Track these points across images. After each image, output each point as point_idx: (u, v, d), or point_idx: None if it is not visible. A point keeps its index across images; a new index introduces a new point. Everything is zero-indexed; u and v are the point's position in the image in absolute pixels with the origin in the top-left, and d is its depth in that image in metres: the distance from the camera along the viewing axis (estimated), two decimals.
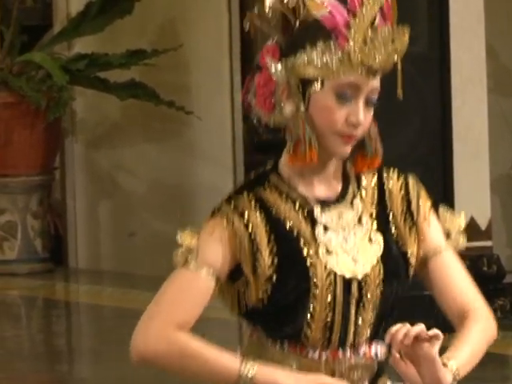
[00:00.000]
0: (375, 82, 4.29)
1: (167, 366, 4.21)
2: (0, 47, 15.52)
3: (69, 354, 13.41)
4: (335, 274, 4.38)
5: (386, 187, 4.62)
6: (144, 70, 15.12)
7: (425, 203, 4.53)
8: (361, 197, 4.58)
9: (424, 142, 12.69)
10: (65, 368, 12.44)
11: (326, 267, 4.37)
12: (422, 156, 12.61)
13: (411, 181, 4.65)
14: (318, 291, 4.40)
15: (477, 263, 12.01)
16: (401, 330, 4.12)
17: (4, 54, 15.38)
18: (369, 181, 4.65)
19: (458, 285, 4.44)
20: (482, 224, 12.30)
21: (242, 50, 13.55)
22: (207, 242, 4.10)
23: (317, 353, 4.39)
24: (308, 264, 4.35)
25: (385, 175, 4.61)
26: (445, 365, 4.18)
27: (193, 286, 4.19)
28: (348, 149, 4.28)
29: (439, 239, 4.47)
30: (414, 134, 12.69)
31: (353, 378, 4.44)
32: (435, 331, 4.12)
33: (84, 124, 16.02)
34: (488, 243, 12.42)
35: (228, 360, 4.23)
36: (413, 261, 4.40)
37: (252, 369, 4.15)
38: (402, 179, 4.59)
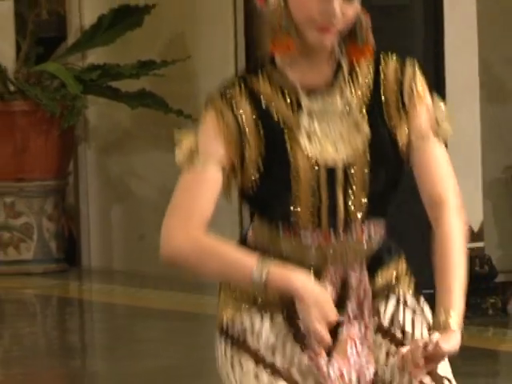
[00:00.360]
0: None
1: (190, 264, 4.49)
2: (16, 58, 15.67)
3: (82, 350, 13.55)
4: (317, 162, 4.67)
5: (381, 71, 4.79)
6: (154, 80, 15.35)
7: (418, 87, 4.68)
8: (352, 84, 4.78)
9: None
10: (78, 363, 12.59)
11: (308, 156, 4.66)
12: None
13: (408, 64, 4.76)
14: (300, 178, 4.73)
15: (469, 263, 11.98)
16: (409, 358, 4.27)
17: (20, 64, 15.51)
18: (364, 68, 4.82)
19: (437, 173, 4.62)
20: (475, 226, 12.34)
21: (246, 61, 13.63)
22: (205, 137, 4.42)
23: (309, 237, 4.67)
24: (290, 152, 4.65)
25: (382, 60, 4.76)
26: (447, 325, 4.26)
27: (202, 182, 4.52)
28: (327, 40, 4.55)
29: (427, 125, 4.62)
30: None
31: (346, 261, 4.76)
32: (435, 338, 4.30)
33: (96, 131, 16.32)
34: (480, 244, 12.58)
35: (244, 260, 4.53)
36: (402, 145, 4.60)
37: (266, 269, 4.44)
38: (399, 63, 4.72)
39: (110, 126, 15.86)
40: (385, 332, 4.75)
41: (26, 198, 15.30)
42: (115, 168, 15.35)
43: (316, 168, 4.63)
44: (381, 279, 4.78)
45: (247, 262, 4.43)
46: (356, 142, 4.71)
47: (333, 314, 4.43)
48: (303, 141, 4.66)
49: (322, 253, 4.64)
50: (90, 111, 15.77)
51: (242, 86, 4.63)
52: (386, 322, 4.75)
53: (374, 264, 4.75)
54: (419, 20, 12.78)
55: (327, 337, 4.41)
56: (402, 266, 4.79)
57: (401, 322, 4.71)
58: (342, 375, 4.58)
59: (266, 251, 4.61)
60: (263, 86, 4.72)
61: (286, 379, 4.69)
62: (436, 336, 4.19)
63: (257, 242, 4.70)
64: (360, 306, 4.76)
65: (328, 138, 4.77)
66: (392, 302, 4.77)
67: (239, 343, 4.70)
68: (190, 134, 4.43)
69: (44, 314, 15.56)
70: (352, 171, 4.70)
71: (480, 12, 13.08)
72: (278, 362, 4.71)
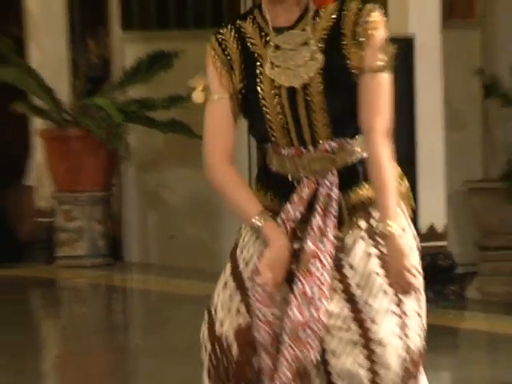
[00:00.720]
0: None
1: (219, 193, 4.96)
2: (71, 93, 15.94)
3: (124, 328, 13.98)
4: (279, 85, 4.90)
5: (344, 11, 5.02)
6: (181, 111, 15.37)
7: (373, 21, 4.94)
8: (314, 23, 5.04)
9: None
10: (121, 339, 13.01)
11: (272, 80, 4.91)
12: None
13: (368, 4, 5.02)
14: (267, 101, 4.96)
15: (435, 258, 12.51)
16: None
17: (74, 98, 15.84)
18: (328, 11, 5.08)
19: (373, 103, 4.90)
20: (439, 228, 12.64)
21: None
22: (209, 74, 4.74)
23: (286, 150, 4.90)
24: (258, 77, 4.91)
25: (345, 5, 5.03)
26: (388, 232, 4.54)
27: (217, 113, 4.82)
28: None
29: (377, 60, 4.88)
30: None
31: (314, 169, 4.96)
32: None
33: (136, 152, 16.29)
34: (444, 243, 12.78)
35: (248, 208, 4.86)
36: (355, 72, 4.86)
37: (262, 222, 4.82)
38: (360, 4, 4.98)
39: (146, 148, 16.19)
40: (337, 261, 4.79)
41: (80, 205, 15.61)
42: (151, 182, 15.58)
43: (277, 90, 4.89)
44: (354, 196, 4.95)
45: (250, 212, 4.84)
46: (312, 68, 4.96)
47: (279, 275, 4.74)
48: (267, 68, 4.96)
49: (294, 164, 4.87)
50: (130, 136, 15.74)
51: (231, 27, 4.98)
52: (342, 250, 4.76)
53: (349, 180, 4.94)
54: (395, 69, 12.11)
55: (267, 279, 4.72)
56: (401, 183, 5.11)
57: (353, 255, 4.77)
58: (304, 292, 4.76)
59: (275, 171, 4.94)
60: (248, 27, 5.06)
61: (244, 294, 4.94)
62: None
63: (270, 165, 4.98)
64: (324, 220, 4.90)
65: (289, 65, 5.04)
66: (358, 229, 4.85)
67: (231, 252, 4.99)
68: (200, 78, 4.78)
69: (94, 299, 15.72)
70: (308, 93, 4.93)
71: (443, 59, 13.10)
72: (246, 274, 4.93)
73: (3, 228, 16.22)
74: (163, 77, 15.60)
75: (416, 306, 4.68)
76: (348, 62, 4.83)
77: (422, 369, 4.99)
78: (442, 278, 12.38)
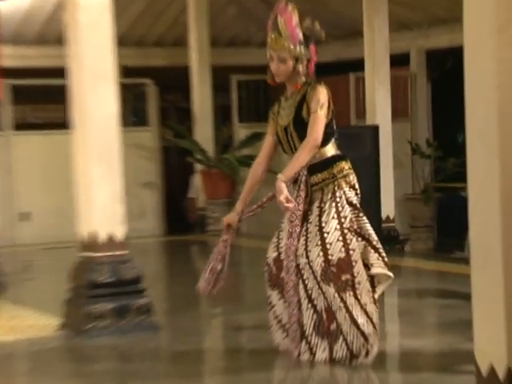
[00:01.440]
0: (279, 54, 6.36)
1: None
2: (214, 152, 16.55)
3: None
4: (281, 125, 6.51)
5: (308, 89, 6.44)
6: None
7: (317, 94, 6.34)
8: (295, 96, 6.50)
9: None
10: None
11: (278, 123, 6.53)
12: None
13: (317, 86, 6.41)
14: (278, 133, 6.56)
15: (389, 231, 13.25)
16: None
17: (216, 154, 16.52)
18: (302, 89, 6.45)
19: (310, 128, 6.24)
20: (391, 217, 13.29)
21: None
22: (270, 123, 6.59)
23: (286, 157, 6.57)
24: (277, 123, 6.53)
25: (309, 86, 6.46)
26: (277, 179, 6.15)
27: (266, 141, 6.70)
28: (278, 80, 6.54)
29: (316, 107, 6.27)
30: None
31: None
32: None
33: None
34: (393, 224, 13.48)
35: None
36: (306, 117, 6.34)
37: (280, 175, 6.13)
38: (315, 84, 6.42)
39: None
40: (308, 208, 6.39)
41: (218, 205, 15.95)
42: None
43: (280, 127, 6.53)
44: (315, 178, 6.39)
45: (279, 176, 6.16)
46: (290, 116, 6.49)
47: (282, 197, 6.05)
48: (279, 117, 6.55)
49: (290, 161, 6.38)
50: (242, 173, 14.86)
51: (278, 100, 6.62)
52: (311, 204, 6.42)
53: (313, 169, 6.38)
54: (368, 136, 13.08)
55: (284, 198, 6.06)
56: (340, 172, 6.38)
57: (318, 203, 6.36)
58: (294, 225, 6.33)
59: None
60: (282, 100, 6.60)
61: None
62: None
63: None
64: (300, 189, 6.34)
65: (284, 116, 6.56)
66: (325, 195, 6.37)
67: None
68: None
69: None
70: (291, 128, 6.46)
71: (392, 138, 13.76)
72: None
73: (183, 217, 17.15)
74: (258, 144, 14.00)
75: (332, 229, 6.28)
76: (306, 112, 6.36)
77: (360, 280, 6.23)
78: (392, 241, 13.03)
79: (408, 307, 9.32)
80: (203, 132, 16.33)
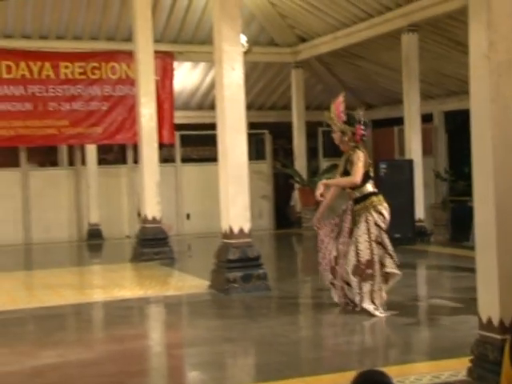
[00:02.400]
0: (332, 127, 6.40)
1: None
2: (307, 175, 15.68)
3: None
4: (339, 171, 6.42)
5: (351, 153, 6.27)
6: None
7: (356, 155, 6.21)
8: (346, 156, 6.31)
9: None
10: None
11: (338, 169, 6.44)
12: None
13: (357, 150, 6.25)
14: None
15: (420, 228, 12.29)
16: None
17: (308, 177, 15.67)
18: (349, 152, 6.30)
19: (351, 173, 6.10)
20: (422, 218, 12.36)
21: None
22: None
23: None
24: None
25: (353, 149, 6.27)
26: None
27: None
28: (336, 142, 6.41)
29: (356, 161, 6.11)
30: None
31: (349, 198, 6.31)
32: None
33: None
34: (424, 224, 12.55)
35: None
36: (349, 169, 6.18)
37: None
38: (354, 150, 6.24)
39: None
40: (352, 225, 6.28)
41: (309, 210, 14.65)
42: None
43: (339, 172, 6.52)
44: (356, 207, 6.31)
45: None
46: (341, 168, 6.45)
47: (318, 192, 6.26)
48: (339, 165, 6.50)
49: (347, 195, 6.41)
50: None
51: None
52: (353, 221, 6.31)
53: (356, 201, 6.34)
54: (408, 169, 12.28)
55: (319, 193, 6.25)
56: (371, 204, 6.23)
57: (358, 223, 6.26)
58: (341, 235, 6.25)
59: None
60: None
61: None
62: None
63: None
64: (347, 212, 6.35)
65: (340, 166, 6.49)
66: (361, 217, 6.25)
67: None
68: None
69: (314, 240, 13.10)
70: (343, 176, 6.38)
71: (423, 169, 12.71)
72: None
73: (287, 217, 16.34)
74: (335, 171, 15.96)
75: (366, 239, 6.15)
76: (349, 168, 6.28)
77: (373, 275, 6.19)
78: (422, 235, 12.38)
79: (432, 277, 9.12)
80: (300, 164, 15.97)
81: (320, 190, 6.19)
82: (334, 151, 15.61)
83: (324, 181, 6.28)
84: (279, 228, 16.06)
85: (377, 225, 6.11)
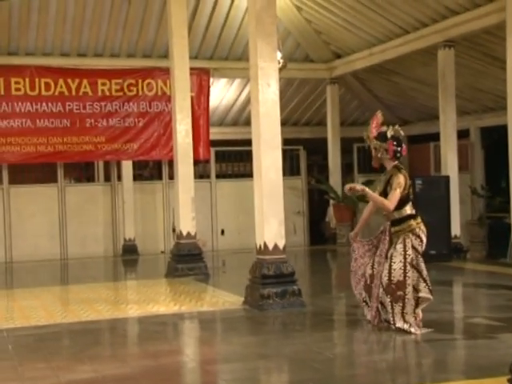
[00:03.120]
0: (368, 144, 6.24)
1: None
2: (342, 192, 14.79)
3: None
4: (378, 190, 6.20)
5: (392, 175, 6.10)
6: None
7: (396, 178, 6.02)
8: (386, 175, 6.15)
9: None
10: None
11: (377, 187, 6.24)
12: None
13: (398, 173, 6.07)
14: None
15: (456, 245, 12.13)
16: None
17: (342, 194, 14.74)
18: (391, 172, 6.14)
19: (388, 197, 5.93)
20: (458, 235, 12.25)
21: None
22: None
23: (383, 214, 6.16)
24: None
25: (394, 170, 6.11)
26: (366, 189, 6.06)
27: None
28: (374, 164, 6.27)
29: (395, 186, 5.94)
30: None
31: (387, 219, 6.13)
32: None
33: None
34: (460, 240, 12.38)
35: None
36: (389, 191, 6.03)
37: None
38: (395, 171, 6.08)
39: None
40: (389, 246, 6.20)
41: (344, 226, 14.91)
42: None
43: (378, 193, 6.26)
44: (394, 228, 6.18)
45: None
46: (381, 188, 6.27)
47: (350, 185, 6.17)
48: (379, 183, 6.39)
49: (383, 216, 6.31)
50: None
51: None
52: (391, 242, 6.20)
53: (394, 223, 6.20)
54: (443, 185, 12.09)
55: (351, 186, 6.17)
56: (409, 227, 6.12)
57: (394, 244, 6.15)
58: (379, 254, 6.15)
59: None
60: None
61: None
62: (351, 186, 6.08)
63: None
64: (384, 234, 6.26)
65: (380, 185, 6.33)
66: (399, 239, 6.15)
67: None
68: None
69: (345, 257, 14.72)
70: (382, 195, 6.15)
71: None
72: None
73: (321, 233, 16.38)
74: (370, 187, 16.13)
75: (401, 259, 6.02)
76: (388, 189, 6.13)
77: (407, 295, 6.05)
78: (458, 252, 12.26)
79: (469, 295, 8.99)
80: (335, 179, 15.91)
81: (355, 185, 6.18)
82: (369, 167, 15.50)
83: (363, 187, 6.10)
84: (313, 244, 15.99)
85: (414, 248, 6.06)
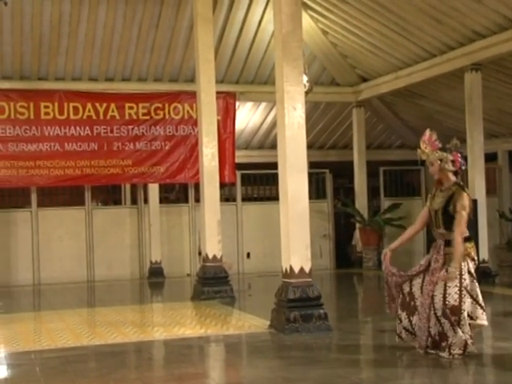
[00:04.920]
0: (429, 160, 6.04)
1: None
2: (368, 214, 15.68)
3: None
4: (433, 208, 6.08)
5: (455, 193, 5.94)
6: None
7: (460, 199, 5.86)
8: (447, 193, 5.98)
9: None
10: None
11: (432, 205, 6.11)
12: None
13: (463, 193, 5.92)
14: (430, 211, 6.08)
15: (485, 269, 12.03)
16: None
17: (368, 216, 15.68)
18: (451, 189, 5.99)
19: (456, 220, 5.78)
20: (486, 259, 12.09)
21: None
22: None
23: (435, 231, 6.07)
24: (432, 204, 5.99)
25: (456, 187, 5.99)
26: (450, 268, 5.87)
27: (423, 211, 6.17)
28: (436, 177, 6.10)
29: (460, 209, 5.80)
30: None
31: (439, 237, 6.02)
32: None
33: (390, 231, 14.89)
34: (488, 264, 12.29)
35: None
36: (451, 211, 5.88)
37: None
38: (458, 190, 5.93)
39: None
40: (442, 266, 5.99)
41: (370, 250, 15.09)
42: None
43: (432, 208, 6.13)
44: (449, 249, 5.97)
45: None
46: (440, 205, 6.04)
47: (451, 276, 5.83)
48: (433, 201, 6.13)
49: (435, 234, 6.16)
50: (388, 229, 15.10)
51: (435, 188, 6.12)
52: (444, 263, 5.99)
53: (449, 244, 6.00)
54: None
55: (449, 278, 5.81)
56: (465, 250, 5.94)
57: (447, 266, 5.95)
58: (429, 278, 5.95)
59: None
60: (438, 188, 6.10)
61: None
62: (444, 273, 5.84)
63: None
64: (438, 253, 6.07)
65: (437, 203, 6.09)
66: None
67: None
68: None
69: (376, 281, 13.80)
70: (439, 213, 6.02)
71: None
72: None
73: (347, 257, 16.43)
74: (397, 210, 15.33)
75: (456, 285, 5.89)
76: (450, 208, 5.95)
77: (461, 321, 5.88)
78: (486, 276, 12.13)
79: (498, 321, 8.68)
80: (361, 203, 15.95)
81: (453, 277, 5.92)
82: (395, 190, 16.38)
83: (453, 267, 5.85)
84: (339, 267, 15.99)
85: (470, 273, 5.94)
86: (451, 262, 5.72)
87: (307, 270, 7.96)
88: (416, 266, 6.20)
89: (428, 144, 6.03)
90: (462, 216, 5.76)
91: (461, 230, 5.73)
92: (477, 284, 5.99)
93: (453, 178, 6.01)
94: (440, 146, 6.04)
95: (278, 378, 5.78)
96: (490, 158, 13.88)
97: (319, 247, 15.53)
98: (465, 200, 5.80)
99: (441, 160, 5.98)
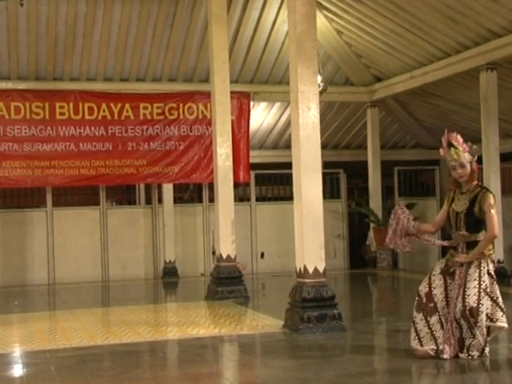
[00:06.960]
0: (461, 161, 5.89)
1: None
2: (382, 214, 15.26)
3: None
4: (454, 210, 5.95)
5: (479, 193, 5.86)
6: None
7: (486, 198, 5.80)
8: (470, 194, 5.90)
9: None
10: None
11: (452, 207, 5.96)
12: None
13: (488, 193, 5.86)
14: (450, 213, 6.00)
15: (501, 269, 11.38)
16: None
17: (383, 217, 15.10)
18: (475, 190, 5.89)
19: (487, 224, 5.70)
20: (501, 259, 11.89)
21: None
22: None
23: (453, 233, 5.93)
24: (451, 206, 5.95)
25: (480, 188, 5.93)
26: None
27: (442, 211, 6.08)
28: (463, 180, 5.91)
29: (489, 209, 5.72)
30: None
31: (460, 240, 5.94)
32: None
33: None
34: (503, 265, 12.11)
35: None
36: (477, 213, 5.77)
37: None
38: (484, 190, 5.91)
39: None
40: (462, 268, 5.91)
41: (384, 250, 14.77)
42: None
43: (453, 211, 6.01)
44: (469, 251, 5.92)
45: None
46: (464, 207, 5.91)
47: (461, 259, 5.83)
48: (453, 203, 6.03)
49: (455, 237, 6.02)
50: None
51: (453, 190, 6.01)
52: (466, 266, 5.92)
53: (469, 246, 5.93)
54: None
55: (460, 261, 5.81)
56: (487, 251, 5.89)
57: (468, 269, 5.90)
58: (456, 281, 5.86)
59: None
60: (457, 192, 6.05)
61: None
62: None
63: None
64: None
65: (459, 204, 5.99)
66: (473, 263, 5.90)
67: None
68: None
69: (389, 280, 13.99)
70: (462, 215, 5.92)
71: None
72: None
73: (361, 257, 16.46)
74: (411, 211, 15.97)
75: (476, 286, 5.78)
76: (476, 209, 5.83)
77: (480, 322, 5.81)
78: (502, 276, 11.64)
79: None
80: (375, 202, 15.91)
81: (462, 259, 5.92)
82: (409, 190, 16.29)
83: (465, 258, 5.87)
84: (353, 267, 15.92)
85: (489, 274, 5.88)
86: (472, 251, 5.78)
87: (321, 269, 7.94)
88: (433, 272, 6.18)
89: (460, 145, 6.02)
90: (493, 215, 5.73)
91: (493, 228, 5.72)
92: (497, 286, 5.91)
93: (473, 180, 6.00)
94: (468, 149, 6.02)
95: (292, 378, 5.77)
96: (506, 157, 13.79)
97: (333, 247, 15.59)
98: (491, 199, 5.77)
99: (470, 162, 5.98)
